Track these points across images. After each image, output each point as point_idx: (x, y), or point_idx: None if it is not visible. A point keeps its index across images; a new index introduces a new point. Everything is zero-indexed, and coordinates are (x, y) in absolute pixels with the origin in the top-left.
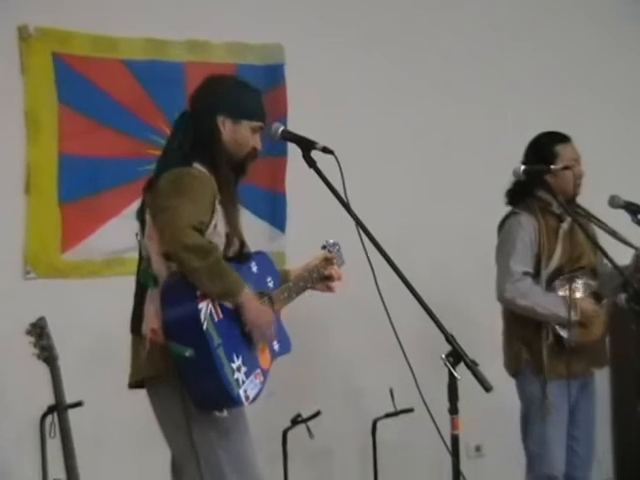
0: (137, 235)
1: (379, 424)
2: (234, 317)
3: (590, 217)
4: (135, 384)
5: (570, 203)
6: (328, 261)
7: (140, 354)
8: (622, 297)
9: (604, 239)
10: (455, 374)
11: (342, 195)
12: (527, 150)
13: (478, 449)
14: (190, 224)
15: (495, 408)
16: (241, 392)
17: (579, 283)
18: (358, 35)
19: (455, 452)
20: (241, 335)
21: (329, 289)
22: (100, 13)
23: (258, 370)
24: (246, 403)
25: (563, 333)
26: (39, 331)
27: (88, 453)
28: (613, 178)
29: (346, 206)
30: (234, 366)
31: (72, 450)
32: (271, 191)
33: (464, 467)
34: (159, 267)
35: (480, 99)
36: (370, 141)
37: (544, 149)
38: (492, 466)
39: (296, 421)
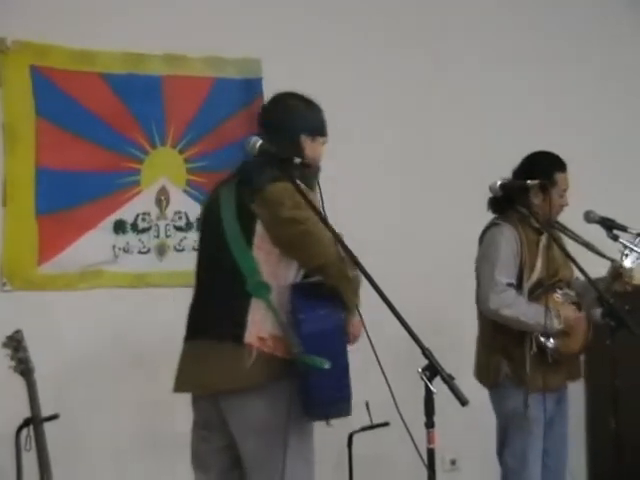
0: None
1: (355, 437)
2: None
3: (565, 230)
4: (216, 391)
5: (549, 219)
6: None
7: (238, 362)
8: (597, 312)
9: (580, 252)
10: (431, 388)
11: (320, 209)
12: (522, 165)
13: (454, 463)
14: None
15: (471, 422)
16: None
17: (559, 293)
18: (336, 50)
19: (431, 466)
20: None
21: None
22: (78, 27)
23: None
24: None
25: (548, 343)
26: (15, 344)
27: (64, 466)
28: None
29: (324, 220)
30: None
31: (48, 463)
32: None
33: None
34: (269, 276)
35: (466, 110)
36: (351, 153)
37: (543, 172)
38: None
39: None
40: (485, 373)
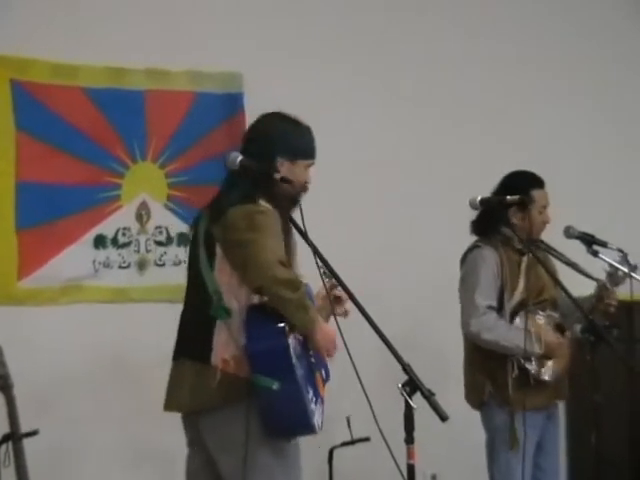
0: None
1: (336, 453)
2: (305, 348)
3: (550, 250)
4: (189, 410)
5: (531, 238)
6: (333, 287)
7: (206, 383)
8: (577, 327)
9: (565, 271)
10: (411, 403)
11: (300, 224)
12: (500, 186)
13: (434, 478)
14: (277, 258)
15: (452, 437)
16: (315, 421)
17: (542, 315)
18: (318, 64)
19: None
20: (308, 365)
21: (345, 314)
22: (59, 41)
23: (320, 398)
24: (319, 431)
25: (529, 366)
26: None
27: None
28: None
29: (304, 235)
30: (309, 396)
31: None
32: None
33: None
34: (230, 299)
35: (455, 125)
36: (333, 169)
37: (519, 191)
38: None
39: None
40: (471, 393)
